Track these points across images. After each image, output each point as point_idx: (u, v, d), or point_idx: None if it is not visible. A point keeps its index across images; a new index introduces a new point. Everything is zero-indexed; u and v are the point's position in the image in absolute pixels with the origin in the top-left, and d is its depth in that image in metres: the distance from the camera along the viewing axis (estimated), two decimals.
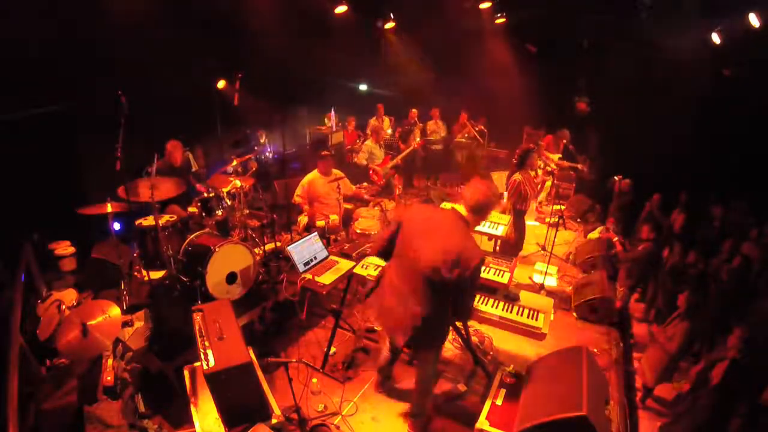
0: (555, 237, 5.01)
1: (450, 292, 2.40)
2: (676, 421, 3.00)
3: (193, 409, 2.56)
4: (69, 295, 3.46)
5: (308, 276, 3.46)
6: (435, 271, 2.32)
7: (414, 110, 8.24)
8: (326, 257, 3.75)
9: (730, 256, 4.45)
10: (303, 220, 5.05)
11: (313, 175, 4.97)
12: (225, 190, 4.32)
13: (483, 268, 3.23)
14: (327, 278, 3.45)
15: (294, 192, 5.08)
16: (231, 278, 3.79)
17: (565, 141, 6.88)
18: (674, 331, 3.43)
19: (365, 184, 5.65)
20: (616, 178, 6.44)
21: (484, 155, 8.16)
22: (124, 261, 4.14)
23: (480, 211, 2.47)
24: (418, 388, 2.92)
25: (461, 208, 2.49)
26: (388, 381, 3.40)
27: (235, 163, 5.06)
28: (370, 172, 6.62)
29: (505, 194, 4.87)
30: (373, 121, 8.01)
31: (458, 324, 3.36)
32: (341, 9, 7.01)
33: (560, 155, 6.80)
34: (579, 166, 7.01)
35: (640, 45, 7.16)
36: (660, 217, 5.54)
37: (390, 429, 3.09)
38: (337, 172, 5.03)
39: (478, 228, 4.38)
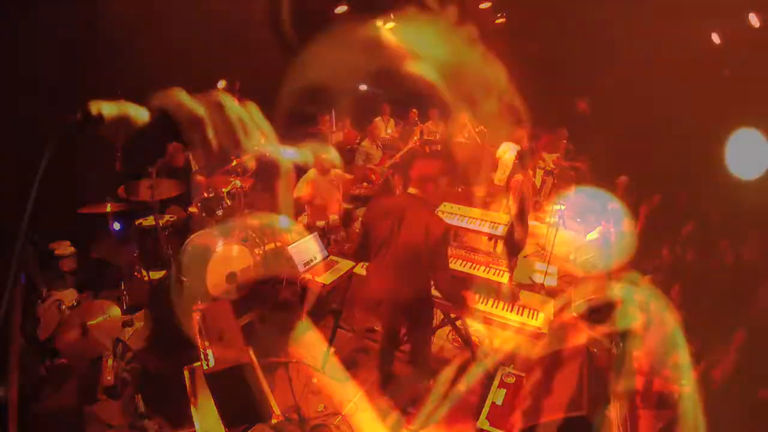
0: (555, 237, 5.00)
1: (425, 268, 2.57)
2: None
3: (193, 409, 2.56)
4: (69, 295, 3.47)
5: (308, 276, 3.46)
6: (414, 252, 2.50)
7: (414, 110, 8.22)
8: (326, 257, 3.75)
9: (725, 254, 4.45)
10: (303, 220, 5.05)
11: (312, 173, 4.98)
12: (225, 190, 4.32)
13: (483, 267, 3.23)
14: (327, 278, 3.45)
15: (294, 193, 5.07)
16: (231, 278, 3.78)
17: (564, 141, 6.86)
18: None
19: (364, 184, 5.65)
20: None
21: (484, 155, 8.15)
22: (124, 261, 4.14)
23: (424, 183, 2.60)
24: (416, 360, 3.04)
25: (412, 189, 2.64)
26: (389, 380, 3.40)
27: (235, 163, 5.05)
28: (368, 172, 6.62)
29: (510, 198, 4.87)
30: (378, 121, 8.00)
31: (458, 323, 3.36)
32: (341, 9, 7.01)
33: (559, 154, 6.80)
34: (578, 164, 7.01)
35: (640, 45, 7.15)
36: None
37: (390, 429, 3.09)
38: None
39: (477, 228, 4.37)
